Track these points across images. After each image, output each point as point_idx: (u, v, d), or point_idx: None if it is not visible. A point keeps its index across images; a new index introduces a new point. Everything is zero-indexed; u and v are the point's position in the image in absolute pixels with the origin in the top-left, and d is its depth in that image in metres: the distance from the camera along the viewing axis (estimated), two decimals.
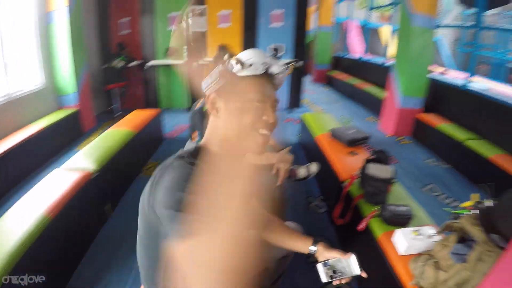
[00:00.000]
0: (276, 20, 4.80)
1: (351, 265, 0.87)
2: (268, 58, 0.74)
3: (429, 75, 4.07)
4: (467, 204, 1.23)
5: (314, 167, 1.72)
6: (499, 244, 0.92)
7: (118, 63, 4.51)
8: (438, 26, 4.07)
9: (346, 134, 2.47)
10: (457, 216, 1.12)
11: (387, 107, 4.32)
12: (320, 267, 0.88)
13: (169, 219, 0.60)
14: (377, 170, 1.57)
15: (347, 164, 2.09)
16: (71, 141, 3.62)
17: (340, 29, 9.00)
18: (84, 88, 4.01)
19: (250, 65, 0.70)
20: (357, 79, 6.56)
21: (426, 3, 3.72)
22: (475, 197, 1.21)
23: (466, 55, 9.01)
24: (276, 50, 4.71)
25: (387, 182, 1.55)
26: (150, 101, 5.07)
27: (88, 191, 1.88)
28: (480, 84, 4.01)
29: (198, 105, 1.86)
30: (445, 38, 9.21)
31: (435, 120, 3.73)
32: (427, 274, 1.06)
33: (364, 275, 0.88)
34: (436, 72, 4.90)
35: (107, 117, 4.54)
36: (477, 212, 1.05)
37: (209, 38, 4.71)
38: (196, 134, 1.86)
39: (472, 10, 4.68)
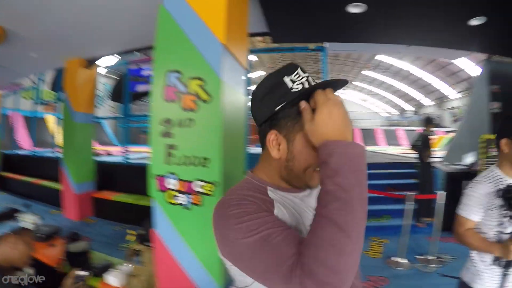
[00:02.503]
0: None
1: None
2: None
3: (95, 158, 4.82)
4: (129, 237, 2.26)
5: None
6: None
7: None
8: (96, 120, 5.08)
9: (38, 233, 2.56)
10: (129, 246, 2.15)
11: (66, 196, 4.60)
12: None
13: None
14: (76, 247, 2.22)
15: (52, 254, 2.31)
16: None
17: (6, 122, 8.26)
18: None
19: None
20: (33, 176, 6.00)
21: (84, 104, 4.50)
22: (131, 232, 2.24)
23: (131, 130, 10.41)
24: None
25: (86, 252, 2.23)
26: None
27: None
28: (134, 154, 5.49)
29: None
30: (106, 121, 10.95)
31: (107, 195, 4.49)
32: (130, 282, 1.87)
33: None
34: (102, 152, 5.93)
35: None
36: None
37: None
38: None
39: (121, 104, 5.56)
